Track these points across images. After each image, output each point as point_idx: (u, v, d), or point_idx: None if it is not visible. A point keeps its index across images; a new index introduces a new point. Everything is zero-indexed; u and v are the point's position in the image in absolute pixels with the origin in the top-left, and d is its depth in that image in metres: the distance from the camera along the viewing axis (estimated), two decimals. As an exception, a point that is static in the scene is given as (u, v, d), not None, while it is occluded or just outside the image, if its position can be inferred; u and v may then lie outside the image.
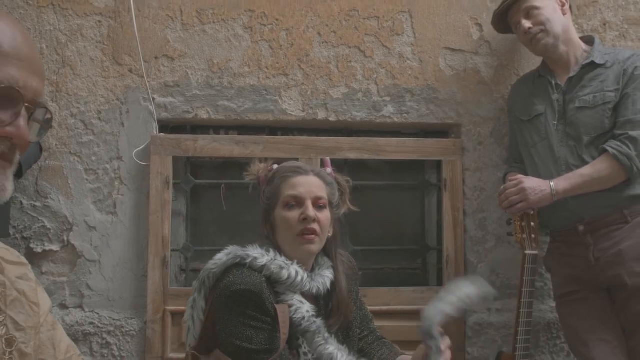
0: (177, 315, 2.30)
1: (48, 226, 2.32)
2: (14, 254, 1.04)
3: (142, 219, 2.36)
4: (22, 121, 0.87)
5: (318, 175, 1.72)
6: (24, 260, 1.05)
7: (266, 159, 1.82)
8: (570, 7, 2.33)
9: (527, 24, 2.25)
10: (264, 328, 1.52)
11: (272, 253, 1.61)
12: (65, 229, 2.33)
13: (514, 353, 2.12)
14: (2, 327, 0.94)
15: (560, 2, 2.28)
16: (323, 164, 1.84)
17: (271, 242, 1.68)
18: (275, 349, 1.51)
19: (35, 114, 0.90)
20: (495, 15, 2.37)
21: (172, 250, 2.37)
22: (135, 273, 2.34)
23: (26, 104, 0.87)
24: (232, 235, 2.51)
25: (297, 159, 2.39)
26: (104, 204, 2.35)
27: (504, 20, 2.36)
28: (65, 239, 2.32)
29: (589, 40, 2.31)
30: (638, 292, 2.07)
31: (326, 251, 1.74)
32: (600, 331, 2.12)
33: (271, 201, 1.70)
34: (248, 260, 1.58)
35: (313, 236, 1.64)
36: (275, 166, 1.77)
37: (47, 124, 0.92)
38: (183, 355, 2.24)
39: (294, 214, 1.64)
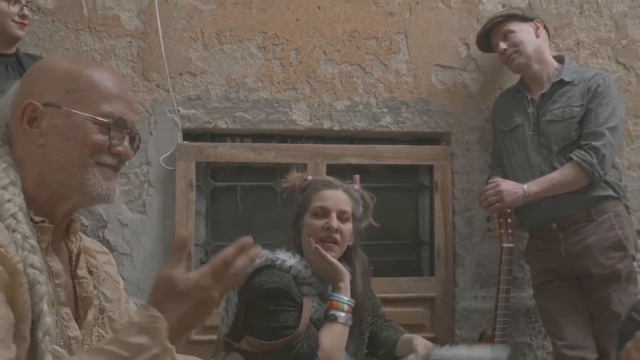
0: (200, 302, 2.60)
1: (85, 223, 2.60)
2: (98, 245, 1.34)
3: (168, 217, 2.64)
4: (126, 142, 1.17)
5: (346, 191, 1.93)
6: (106, 249, 1.36)
7: (302, 167, 2.06)
8: (547, 29, 2.61)
9: (503, 45, 2.53)
10: (290, 310, 1.76)
11: (297, 257, 1.84)
12: (100, 225, 2.62)
13: (493, 333, 2.42)
14: (96, 299, 1.24)
15: (535, 25, 2.55)
16: (352, 181, 2.05)
17: (296, 245, 1.89)
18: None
19: (133, 139, 1.20)
20: (478, 37, 2.66)
21: (194, 245, 2.67)
22: (162, 265, 2.63)
23: (127, 130, 1.18)
24: (247, 232, 2.75)
25: (305, 164, 2.68)
26: (134, 204, 2.64)
27: (486, 41, 2.65)
28: (101, 234, 2.61)
29: (560, 59, 2.59)
30: (602, 280, 2.37)
31: (346, 257, 1.94)
32: (571, 314, 2.42)
33: (302, 208, 1.91)
34: (277, 262, 1.80)
35: (333, 244, 1.86)
36: (310, 177, 1.99)
37: (138, 147, 1.23)
38: (206, 338, 2.54)
39: (320, 223, 1.85)
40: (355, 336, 1.94)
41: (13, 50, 2.36)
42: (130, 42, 2.68)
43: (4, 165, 1.12)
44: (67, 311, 1.13)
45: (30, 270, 1.02)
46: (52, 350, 1.01)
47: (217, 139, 2.77)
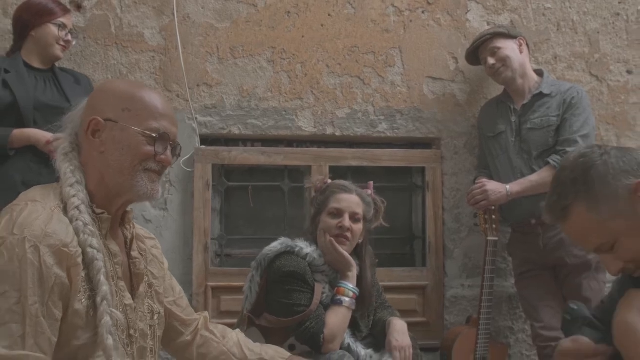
0: (216, 289, 2.87)
1: (113, 219, 2.89)
2: (147, 232, 1.63)
3: (187, 214, 2.91)
4: (169, 152, 1.44)
5: (359, 195, 2.20)
6: (153, 235, 1.65)
7: (307, 169, 2.35)
8: (528, 45, 2.86)
9: (491, 60, 2.78)
10: (304, 292, 2.05)
11: (313, 246, 2.14)
12: (126, 221, 2.91)
13: (478, 317, 2.69)
14: (146, 277, 1.53)
15: (518, 42, 2.80)
16: (367, 186, 2.32)
17: (313, 237, 2.19)
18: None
19: (174, 149, 1.48)
20: (467, 52, 2.92)
21: (210, 239, 2.93)
22: (182, 256, 2.91)
23: (170, 142, 1.45)
24: (257, 227, 3.09)
25: (309, 166, 2.96)
26: (157, 202, 2.91)
27: (475, 56, 2.90)
28: (127, 229, 2.90)
29: (540, 73, 2.85)
30: (575, 269, 2.63)
31: (357, 252, 2.23)
32: (547, 299, 2.68)
33: (320, 208, 2.19)
34: (296, 249, 2.10)
35: (344, 240, 2.14)
36: (329, 181, 2.27)
37: (179, 155, 1.50)
38: (222, 321, 2.82)
39: (334, 222, 2.14)
40: (365, 319, 2.24)
41: (49, 66, 2.65)
42: (153, 56, 2.96)
43: (71, 167, 1.40)
44: (122, 284, 1.42)
45: (89, 250, 1.29)
46: (109, 312, 1.29)
47: (231, 143, 3.04)
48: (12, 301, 1.19)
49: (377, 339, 2.25)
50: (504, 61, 2.76)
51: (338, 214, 2.16)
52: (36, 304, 1.20)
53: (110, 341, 1.26)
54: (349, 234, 2.14)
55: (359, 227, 2.18)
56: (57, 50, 2.60)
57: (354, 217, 2.17)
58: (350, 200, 2.18)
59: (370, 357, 2.12)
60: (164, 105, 1.46)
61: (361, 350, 2.12)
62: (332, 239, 2.13)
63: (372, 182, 2.36)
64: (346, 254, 2.14)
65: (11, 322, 1.18)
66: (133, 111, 1.40)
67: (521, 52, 2.80)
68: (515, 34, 2.83)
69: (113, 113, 1.40)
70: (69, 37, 2.63)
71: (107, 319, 1.28)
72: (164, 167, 1.45)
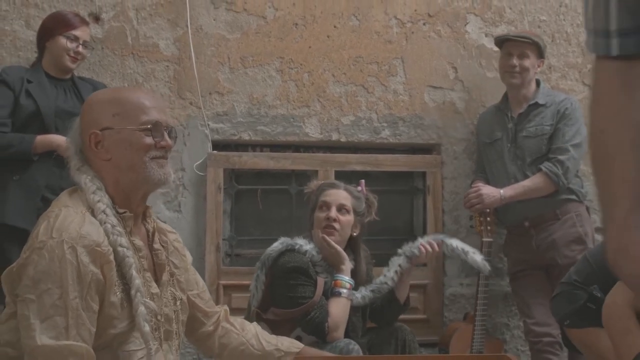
0: (227, 287, 3.03)
1: (130, 220, 3.05)
2: (169, 227, 1.78)
3: (200, 216, 3.06)
4: (166, 136, 1.56)
5: (347, 190, 2.36)
6: (174, 230, 1.80)
7: (314, 174, 2.51)
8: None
9: (515, 61, 2.84)
10: (308, 285, 2.21)
11: (312, 243, 2.30)
12: (142, 222, 3.06)
13: (475, 314, 2.83)
14: (167, 266, 1.66)
15: (539, 62, 2.91)
16: (358, 184, 2.48)
17: (311, 235, 2.35)
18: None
19: (170, 132, 1.57)
20: (502, 36, 2.94)
21: (222, 240, 3.10)
22: (195, 256, 2.94)
23: (165, 128, 1.55)
24: (265, 228, 3.23)
25: (316, 171, 3.11)
26: (171, 204, 3.06)
27: (502, 42, 2.94)
28: (143, 230, 3.06)
29: (537, 83, 2.97)
30: (566, 269, 2.72)
31: (351, 246, 2.39)
32: (539, 297, 2.81)
33: (312, 206, 2.37)
34: (296, 247, 2.26)
35: (332, 230, 2.29)
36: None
37: (176, 137, 1.62)
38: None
39: (323, 214, 2.31)
40: (359, 313, 2.39)
41: (69, 75, 2.78)
42: (167, 66, 3.11)
43: (89, 177, 1.53)
44: (148, 275, 1.56)
45: (119, 249, 1.44)
46: (143, 302, 1.44)
47: (241, 149, 3.18)
48: (55, 297, 1.34)
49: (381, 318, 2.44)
50: (523, 70, 2.85)
51: (326, 207, 2.31)
52: (76, 299, 1.35)
53: (147, 328, 1.42)
54: (336, 225, 2.28)
55: (347, 218, 2.31)
56: (67, 61, 2.69)
57: (341, 209, 2.31)
58: (337, 194, 2.34)
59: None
60: (150, 97, 1.60)
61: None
62: (324, 235, 2.27)
63: (363, 181, 2.51)
64: (339, 248, 2.28)
65: (55, 315, 1.33)
66: (122, 113, 1.53)
67: (536, 72, 2.93)
68: (544, 54, 2.93)
69: (106, 121, 1.53)
70: (80, 49, 2.71)
71: (142, 308, 1.43)
72: (167, 151, 1.58)
